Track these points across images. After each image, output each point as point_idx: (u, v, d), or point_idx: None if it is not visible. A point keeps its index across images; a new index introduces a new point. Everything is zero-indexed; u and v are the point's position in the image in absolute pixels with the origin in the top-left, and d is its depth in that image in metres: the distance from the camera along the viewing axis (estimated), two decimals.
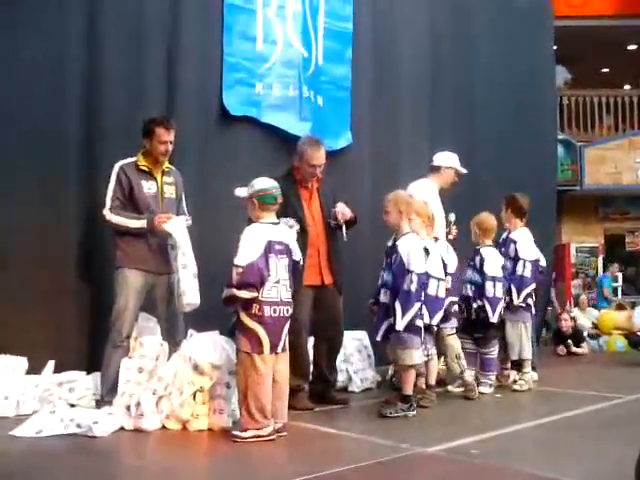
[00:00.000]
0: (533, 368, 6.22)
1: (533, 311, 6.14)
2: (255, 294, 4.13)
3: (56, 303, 5.34)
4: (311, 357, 5.34)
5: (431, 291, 5.12)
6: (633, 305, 11.57)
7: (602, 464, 3.60)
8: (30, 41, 5.34)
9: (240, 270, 4.10)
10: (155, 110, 5.64)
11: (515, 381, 6.02)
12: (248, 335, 4.13)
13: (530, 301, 6.05)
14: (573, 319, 9.44)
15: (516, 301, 5.94)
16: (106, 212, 4.81)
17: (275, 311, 4.19)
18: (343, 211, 5.23)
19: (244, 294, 4.10)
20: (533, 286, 6.03)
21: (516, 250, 6.05)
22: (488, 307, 5.74)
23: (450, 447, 3.94)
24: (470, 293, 5.91)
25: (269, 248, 4.21)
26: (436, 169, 6.10)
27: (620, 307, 11.43)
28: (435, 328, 5.23)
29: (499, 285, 5.78)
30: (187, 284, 4.69)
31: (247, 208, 4.38)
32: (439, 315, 5.19)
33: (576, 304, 11.89)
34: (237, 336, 4.18)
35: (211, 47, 6.28)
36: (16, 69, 5.29)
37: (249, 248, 4.17)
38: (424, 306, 5.02)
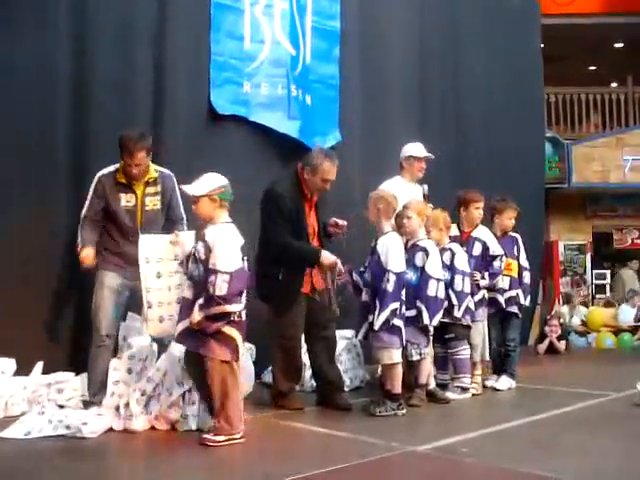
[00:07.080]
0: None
1: None
2: (243, 304, 3.98)
3: (44, 304, 5.33)
4: (308, 362, 5.30)
5: (430, 292, 5.06)
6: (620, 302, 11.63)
7: (592, 461, 3.62)
8: (17, 46, 5.30)
9: (227, 278, 3.80)
10: (144, 111, 5.63)
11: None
12: (229, 344, 3.97)
13: None
14: (562, 325, 9.27)
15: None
16: (81, 219, 4.80)
17: (245, 315, 4.08)
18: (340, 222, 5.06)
19: (235, 307, 3.91)
20: None
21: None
22: (455, 301, 5.36)
23: (440, 446, 3.95)
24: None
25: (243, 250, 4.03)
26: (400, 165, 6.06)
27: (608, 304, 11.48)
28: (432, 329, 5.13)
29: (467, 280, 5.50)
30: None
31: (198, 207, 4.03)
32: (439, 316, 5.11)
33: (566, 302, 11.89)
34: (211, 346, 3.94)
35: (199, 46, 6.26)
36: (3, 74, 5.26)
37: (232, 252, 3.92)
38: (423, 307, 5.01)
